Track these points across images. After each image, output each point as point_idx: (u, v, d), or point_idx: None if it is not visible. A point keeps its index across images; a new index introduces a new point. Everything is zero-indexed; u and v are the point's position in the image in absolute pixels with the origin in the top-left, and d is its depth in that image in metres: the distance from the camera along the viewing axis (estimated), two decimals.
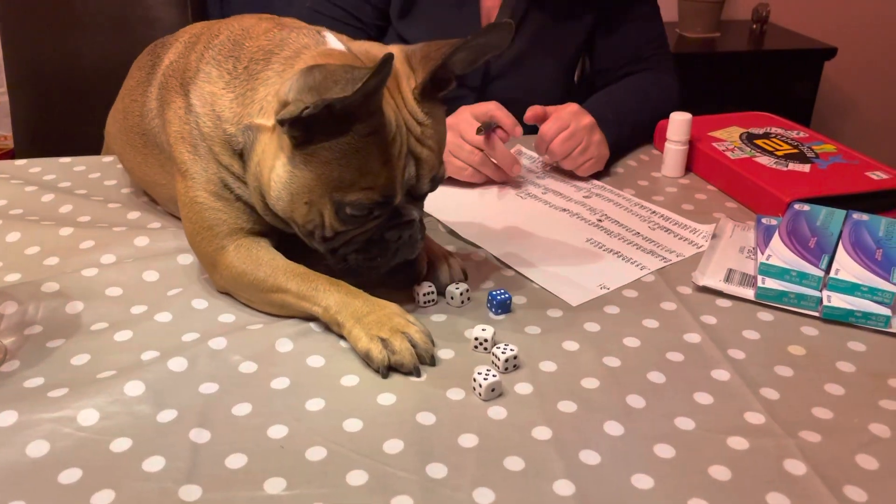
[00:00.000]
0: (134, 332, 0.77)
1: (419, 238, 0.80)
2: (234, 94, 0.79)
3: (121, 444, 0.64)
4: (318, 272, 0.80)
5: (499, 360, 0.72)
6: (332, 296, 0.77)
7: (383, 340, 0.73)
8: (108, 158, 1.17)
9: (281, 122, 0.71)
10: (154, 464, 0.62)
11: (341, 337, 0.77)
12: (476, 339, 0.76)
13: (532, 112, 1.11)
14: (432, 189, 0.80)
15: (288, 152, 0.73)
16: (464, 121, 1.07)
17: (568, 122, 1.09)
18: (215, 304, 0.83)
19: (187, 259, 0.90)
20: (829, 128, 2.97)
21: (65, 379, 0.71)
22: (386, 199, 0.74)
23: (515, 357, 0.73)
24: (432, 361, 0.74)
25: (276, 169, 0.75)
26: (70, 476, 0.60)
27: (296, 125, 0.70)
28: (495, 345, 0.74)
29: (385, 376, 0.72)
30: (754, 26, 2.67)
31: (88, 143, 1.28)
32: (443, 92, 0.79)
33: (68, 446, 0.63)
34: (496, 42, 0.76)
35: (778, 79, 2.56)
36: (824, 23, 2.74)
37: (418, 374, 0.72)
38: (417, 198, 0.79)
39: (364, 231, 0.76)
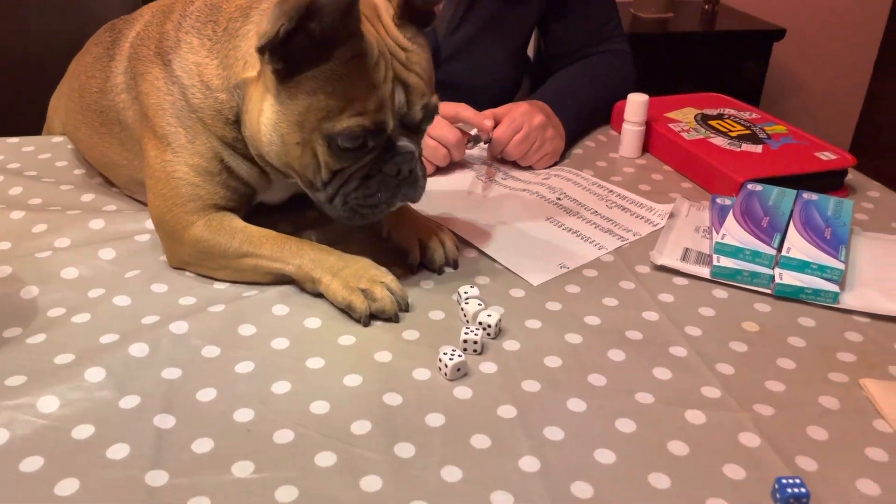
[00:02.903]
0: (92, 315, 0.76)
1: (421, 175, 0.79)
2: (219, 59, 0.79)
3: (83, 432, 0.63)
4: (287, 234, 0.82)
5: (490, 326, 0.75)
6: (306, 254, 0.80)
7: (363, 291, 0.77)
8: (57, 139, 1.13)
9: (261, 51, 0.70)
10: (118, 451, 0.61)
11: (318, 295, 0.80)
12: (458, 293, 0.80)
13: (489, 122, 1.10)
14: (426, 117, 0.79)
15: (273, 91, 0.73)
16: None
17: (521, 123, 1.09)
18: (175, 287, 0.82)
19: (144, 239, 0.89)
20: (777, 107, 3.04)
21: (22, 365, 0.69)
22: (377, 125, 0.73)
23: (500, 320, 0.76)
24: (407, 307, 0.79)
25: (264, 112, 0.74)
26: (32, 464, 0.59)
27: (276, 54, 0.69)
28: (476, 313, 0.76)
29: (367, 324, 0.76)
30: (706, 7, 2.71)
31: (35, 122, 1.24)
32: (427, 27, 0.79)
33: (28, 434, 0.62)
34: None
35: (729, 59, 2.61)
36: (774, 4, 2.80)
37: (398, 320, 0.77)
38: (412, 129, 0.78)
39: (361, 166, 0.76)
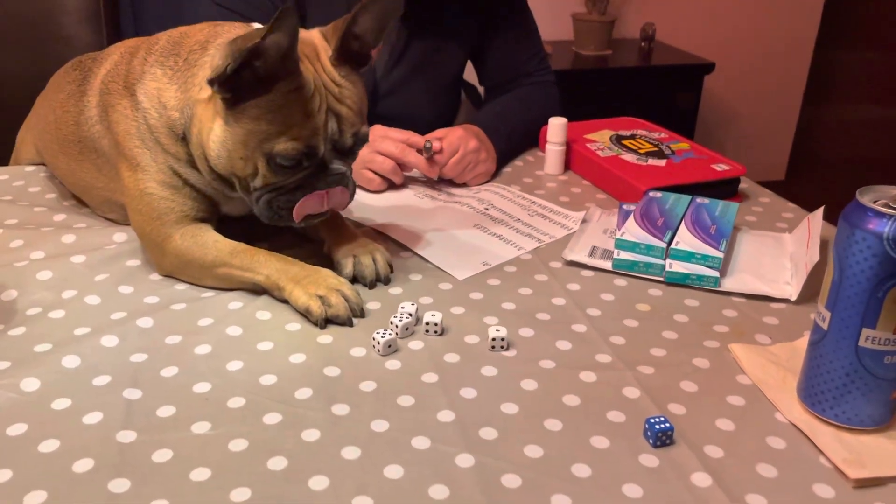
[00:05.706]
0: (66, 312, 0.86)
1: (349, 191, 0.91)
2: (178, 84, 0.91)
3: (61, 404, 0.73)
4: (256, 247, 0.92)
5: (437, 325, 0.84)
6: (273, 264, 0.90)
7: (321, 297, 0.86)
8: (29, 168, 1.23)
9: (211, 83, 0.82)
10: (93, 418, 0.71)
11: (283, 301, 0.89)
12: (427, 323, 0.84)
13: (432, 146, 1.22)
14: (356, 144, 0.90)
15: (223, 114, 0.85)
16: (378, 137, 1.19)
17: (457, 146, 1.22)
18: (140, 289, 0.92)
19: (111, 249, 0.99)
20: (713, 136, 3.24)
21: (5, 353, 0.79)
22: (310, 149, 0.85)
23: (440, 321, 0.85)
24: (362, 313, 0.88)
25: (213, 130, 0.86)
26: (17, 430, 0.69)
27: (225, 85, 0.82)
28: (406, 325, 0.84)
29: (322, 327, 0.85)
30: (643, 44, 2.91)
31: (2, 155, 1.33)
32: (363, 67, 0.91)
33: (13, 406, 0.72)
34: (392, 4, 0.87)
35: (664, 91, 2.80)
36: (704, 41, 3.01)
37: (351, 324, 0.86)
38: (344, 153, 0.90)
39: (294, 180, 0.87)
